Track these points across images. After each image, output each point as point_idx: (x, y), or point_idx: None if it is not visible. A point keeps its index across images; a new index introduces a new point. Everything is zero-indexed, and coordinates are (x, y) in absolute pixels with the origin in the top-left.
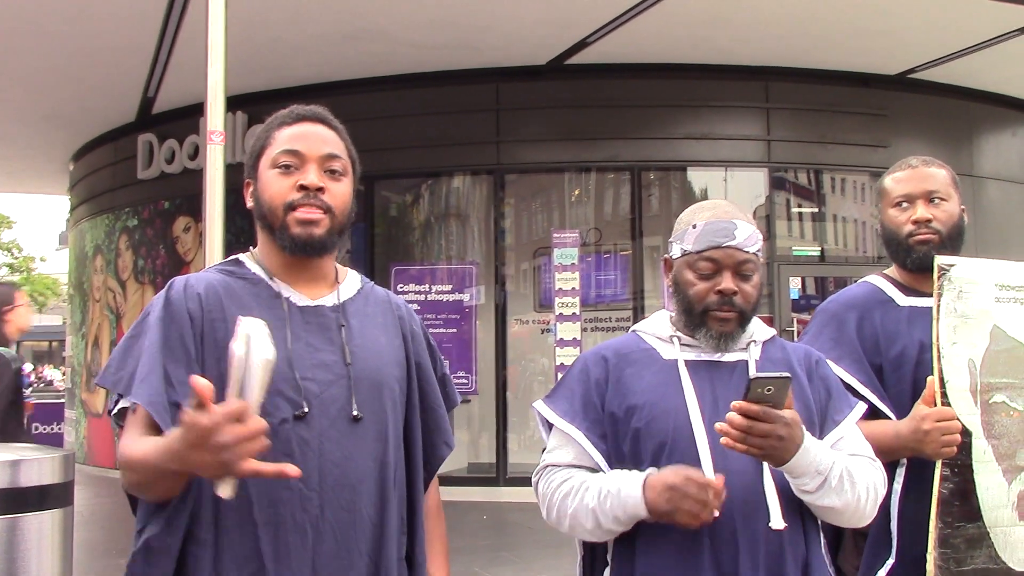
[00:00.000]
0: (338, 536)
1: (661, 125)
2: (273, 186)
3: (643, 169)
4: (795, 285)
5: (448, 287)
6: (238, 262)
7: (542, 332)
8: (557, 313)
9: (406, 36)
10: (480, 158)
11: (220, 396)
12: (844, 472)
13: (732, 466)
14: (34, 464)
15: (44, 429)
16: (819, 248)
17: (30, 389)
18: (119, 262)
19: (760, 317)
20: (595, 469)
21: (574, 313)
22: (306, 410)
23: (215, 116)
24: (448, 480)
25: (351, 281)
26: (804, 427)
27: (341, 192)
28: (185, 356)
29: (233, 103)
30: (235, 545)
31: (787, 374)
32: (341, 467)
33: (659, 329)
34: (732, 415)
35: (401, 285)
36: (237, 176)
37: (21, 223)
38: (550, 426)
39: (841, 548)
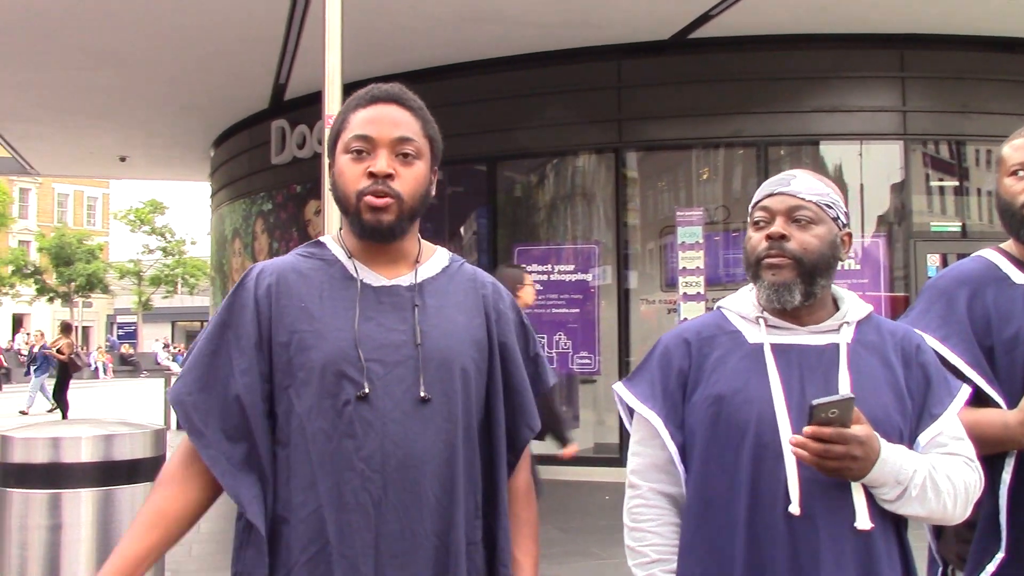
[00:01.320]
0: (401, 517)
1: (789, 98)
2: (345, 172)
3: (771, 144)
4: (934, 262)
5: (571, 267)
6: (320, 244)
7: (668, 312)
8: (681, 293)
9: (524, 16)
10: (602, 136)
11: (282, 380)
12: (927, 480)
13: None
14: (126, 439)
15: None
16: (960, 224)
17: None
18: (255, 245)
19: (895, 296)
20: (673, 461)
21: (699, 292)
22: (366, 391)
23: (332, 100)
24: (575, 460)
25: (437, 260)
26: (881, 437)
27: (413, 176)
28: (246, 343)
29: (355, 88)
30: (303, 523)
31: (850, 395)
32: (405, 448)
33: (744, 308)
34: (804, 440)
35: (524, 266)
36: None
37: (173, 208)
38: (629, 409)
39: (943, 535)
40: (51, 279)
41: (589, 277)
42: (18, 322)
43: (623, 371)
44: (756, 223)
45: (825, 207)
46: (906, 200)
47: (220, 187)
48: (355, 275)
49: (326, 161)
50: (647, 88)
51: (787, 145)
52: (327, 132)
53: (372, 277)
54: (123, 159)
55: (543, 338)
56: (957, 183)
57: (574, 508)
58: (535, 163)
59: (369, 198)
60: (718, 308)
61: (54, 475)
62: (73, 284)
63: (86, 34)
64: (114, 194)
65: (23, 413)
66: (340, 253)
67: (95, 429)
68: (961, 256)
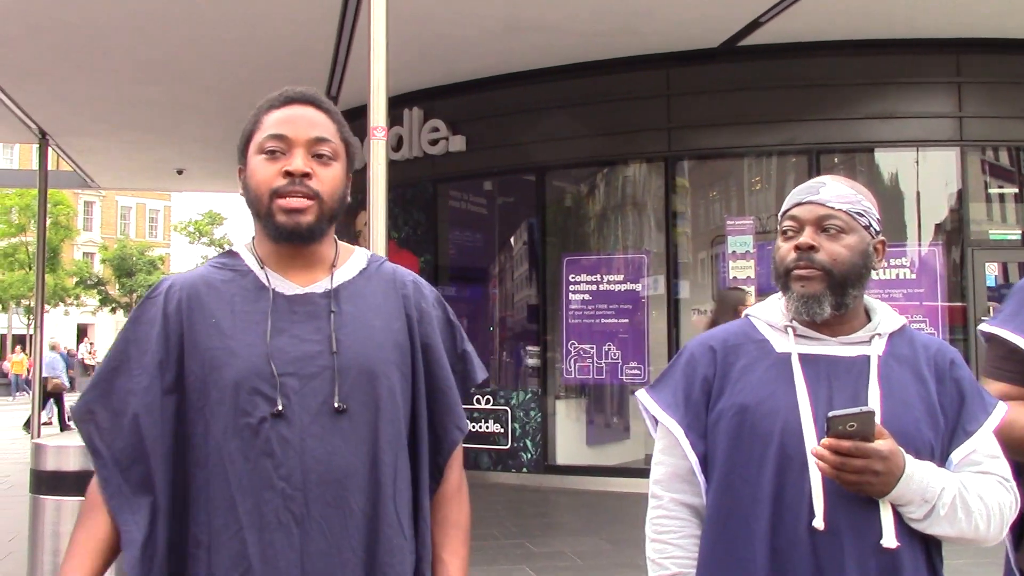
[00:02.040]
0: (327, 534)
1: (841, 105)
2: (259, 172)
3: (822, 152)
4: (992, 271)
5: (621, 277)
6: (233, 254)
7: (722, 325)
8: None
9: (571, 26)
10: (652, 145)
11: (196, 400)
12: (957, 499)
13: None
14: None
15: None
16: (1020, 231)
17: None
18: None
19: (952, 306)
20: (694, 471)
21: (750, 304)
22: (280, 408)
23: (377, 112)
24: (625, 471)
25: (354, 262)
26: (910, 452)
27: (330, 177)
28: (149, 359)
29: (408, 99)
30: (224, 546)
31: (869, 409)
32: (325, 463)
33: (772, 316)
34: (822, 451)
35: (573, 275)
36: (414, 171)
37: (231, 219)
38: (654, 417)
39: (1021, 546)
40: (114, 290)
41: (639, 287)
42: (82, 332)
43: None
44: (784, 232)
45: (856, 215)
46: (963, 208)
47: None
48: (267, 285)
49: (370, 175)
50: (697, 96)
51: (841, 153)
52: (373, 144)
53: (285, 286)
54: (180, 172)
55: (592, 347)
56: (1016, 190)
57: (624, 520)
58: (584, 173)
59: (284, 200)
60: (746, 316)
61: (85, 483)
62: (135, 295)
63: (142, 49)
64: (175, 206)
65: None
66: (252, 262)
67: None
68: (1022, 265)
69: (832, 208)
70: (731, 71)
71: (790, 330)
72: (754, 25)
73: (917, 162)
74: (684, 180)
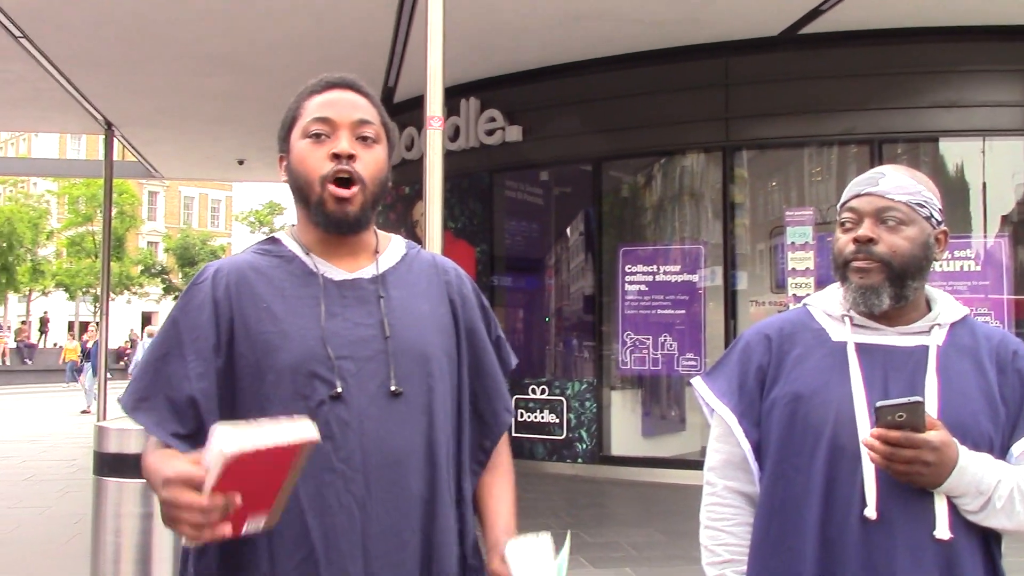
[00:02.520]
0: (388, 515)
1: (904, 94)
2: (307, 158)
3: (884, 141)
4: None
5: (677, 268)
6: (275, 240)
7: (779, 314)
8: (791, 294)
9: (632, 13)
10: (710, 135)
11: (251, 384)
12: (1015, 491)
13: None
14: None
15: None
16: None
17: None
18: None
19: (1019, 299)
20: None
21: (809, 294)
22: (339, 391)
23: (434, 102)
24: (681, 463)
25: (394, 249)
26: (960, 443)
27: (374, 159)
28: (202, 345)
29: (466, 89)
30: (286, 530)
31: (918, 399)
32: (384, 444)
33: (830, 305)
34: (873, 441)
35: (629, 266)
36: (470, 161)
37: (291, 209)
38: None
39: None
40: (177, 278)
41: (696, 278)
42: (147, 320)
43: None
44: (843, 224)
45: (916, 206)
46: None
47: None
48: (316, 270)
49: (427, 164)
50: (756, 85)
51: (904, 142)
52: (430, 134)
53: (333, 271)
54: (241, 162)
55: (648, 339)
56: None
57: (681, 512)
58: (642, 163)
59: (333, 188)
60: (804, 305)
61: None
62: None
63: (203, 40)
64: (236, 196)
65: (85, 412)
66: (297, 248)
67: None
68: None
69: (892, 200)
70: (791, 60)
71: (847, 319)
72: (815, 13)
73: (983, 152)
74: (743, 170)
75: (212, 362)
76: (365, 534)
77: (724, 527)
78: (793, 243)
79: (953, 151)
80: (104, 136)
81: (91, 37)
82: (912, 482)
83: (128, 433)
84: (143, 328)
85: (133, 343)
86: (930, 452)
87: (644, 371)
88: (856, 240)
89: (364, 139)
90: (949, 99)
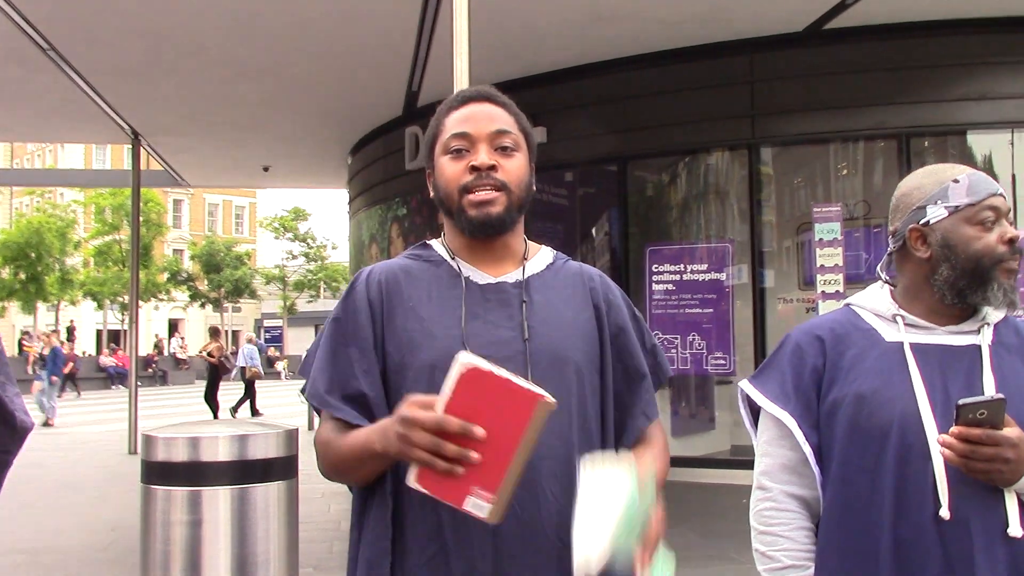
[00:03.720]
0: (520, 516)
1: (932, 87)
2: (447, 171)
3: (912, 135)
4: None
5: (704, 266)
6: (426, 246)
7: (807, 311)
8: (819, 291)
9: (654, 13)
10: (735, 133)
11: (394, 381)
12: None
13: None
14: (259, 439)
15: None
16: None
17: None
18: (391, 249)
19: None
20: (806, 462)
21: (837, 291)
22: None
23: None
24: (710, 463)
25: (541, 257)
26: None
27: (515, 167)
28: (364, 344)
29: None
30: (420, 523)
31: (1000, 396)
32: None
33: (879, 306)
34: (951, 440)
35: (656, 265)
36: None
37: (316, 215)
38: (752, 408)
39: None
40: (202, 285)
41: (723, 276)
42: (173, 326)
43: None
44: (983, 223)
45: None
46: None
47: (357, 194)
48: (460, 273)
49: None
50: (781, 82)
51: (931, 136)
52: None
53: (478, 275)
54: (266, 169)
55: (676, 338)
56: None
57: (711, 511)
58: (667, 162)
59: (475, 193)
60: (847, 306)
61: (194, 473)
62: (222, 290)
63: (230, 49)
64: (260, 203)
65: (47, 424)
66: (444, 253)
67: (231, 429)
68: None
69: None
70: (816, 55)
71: (899, 319)
72: (840, 7)
73: (1011, 143)
74: (768, 167)
75: (374, 358)
76: (496, 532)
77: (782, 531)
78: (821, 239)
79: (981, 143)
80: (131, 145)
81: (118, 48)
82: (991, 480)
83: (175, 442)
84: (170, 336)
85: (160, 350)
86: (1010, 449)
87: (673, 370)
88: (1011, 242)
89: (504, 149)
90: (977, 91)
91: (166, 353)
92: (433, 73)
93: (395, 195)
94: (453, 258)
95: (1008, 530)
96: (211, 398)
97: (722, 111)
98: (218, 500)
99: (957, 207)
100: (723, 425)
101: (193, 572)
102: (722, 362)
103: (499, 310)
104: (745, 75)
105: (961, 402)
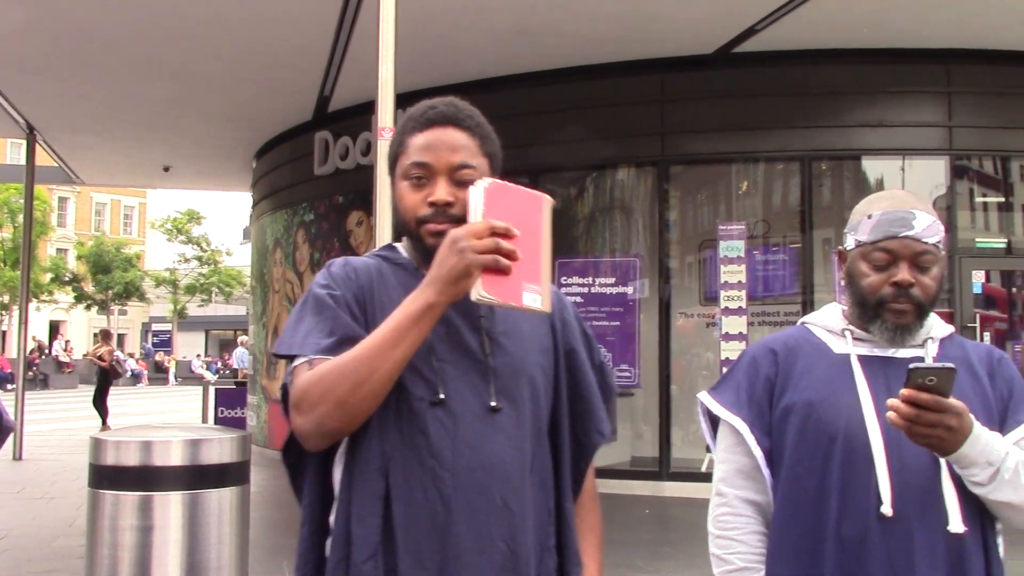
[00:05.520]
0: (470, 519)
1: (833, 113)
2: (406, 200)
3: (813, 159)
4: (978, 279)
5: (611, 280)
6: (392, 248)
7: (707, 326)
8: (722, 307)
9: (575, 29)
10: (645, 150)
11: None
12: (1021, 465)
13: (909, 464)
14: (214, 444)
15: (228, 413)
16: (1006, 240)
17: (216, 376)
18: (296, 255)
19: (939, 312)
20: (759, 467)
21: (740, 307)
22: (442, 396)
23: (385, 112)
24: (611, 473)
25: None
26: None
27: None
28: (351, 314)
29: (404, 100)
30: (370, 517)
31: (951, 365)
32: (476, 450)
33: (830, 322)
34: (898, 403)
35: (564, 278)
36: None
37: (210, 219)
38: (711, 419)
39: None
40: (89, 287)
41: (629, 290)
42: (55, 329)
43: (663, 384)
44: (874, 263)
45: (940, 245)
46: (951, 216)
47: (262, 197)
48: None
49: (377, 174)
50: (690, 102)
51: (830, 160)
52: (379, 144)
53: None
54: (167, 169)
55: None
56: (1002, 199)
57: (615, 521)
58: (576, 176)
59: (431, 225)
60: (802, 324)
61: (145, 478)
62: (111, 292)
63: (137, 46)
64: (151, 203)
65: None
66: (410, 260)
67: (184, 433)
68: (1006, 273)
69: (926, 243)
70: (724, 78)
71: (847, 333)
72: (749, 32)
73: (903, 169)
74: (675, 185)
75: (364, 333)
76: (447, 532)
77: (736, 535)
78: (726, 256)
79: (875, 168)
80: (27, 141)
81: (20, 43)
82: (930, 446)
83: (126, 446)
84: (51, 337)
85: (41, 352)
86: (954, 417)
87: None
88: (897, 284)
89: (463, 183)
90: (875, 118)
91: (48, 356)
92: (347, 79)
93: (302, 200)
94: (417, 268)
95: (948, 527)
96: (100, 403)
97: (633, 128)
98: (169, 505)
99: (859, 242)
100: (623, 437)
101: None
102: (627, 375)
103: (462, 319)
104: (656, 94)
105: (912, 366)
